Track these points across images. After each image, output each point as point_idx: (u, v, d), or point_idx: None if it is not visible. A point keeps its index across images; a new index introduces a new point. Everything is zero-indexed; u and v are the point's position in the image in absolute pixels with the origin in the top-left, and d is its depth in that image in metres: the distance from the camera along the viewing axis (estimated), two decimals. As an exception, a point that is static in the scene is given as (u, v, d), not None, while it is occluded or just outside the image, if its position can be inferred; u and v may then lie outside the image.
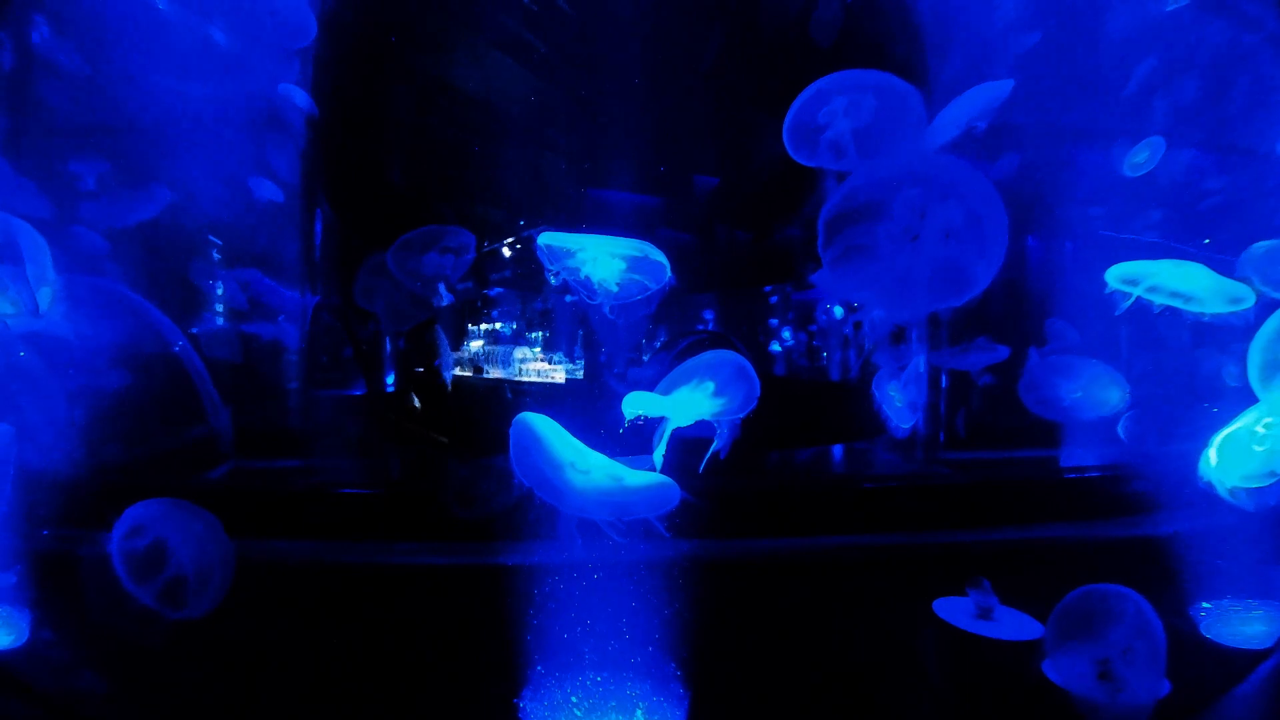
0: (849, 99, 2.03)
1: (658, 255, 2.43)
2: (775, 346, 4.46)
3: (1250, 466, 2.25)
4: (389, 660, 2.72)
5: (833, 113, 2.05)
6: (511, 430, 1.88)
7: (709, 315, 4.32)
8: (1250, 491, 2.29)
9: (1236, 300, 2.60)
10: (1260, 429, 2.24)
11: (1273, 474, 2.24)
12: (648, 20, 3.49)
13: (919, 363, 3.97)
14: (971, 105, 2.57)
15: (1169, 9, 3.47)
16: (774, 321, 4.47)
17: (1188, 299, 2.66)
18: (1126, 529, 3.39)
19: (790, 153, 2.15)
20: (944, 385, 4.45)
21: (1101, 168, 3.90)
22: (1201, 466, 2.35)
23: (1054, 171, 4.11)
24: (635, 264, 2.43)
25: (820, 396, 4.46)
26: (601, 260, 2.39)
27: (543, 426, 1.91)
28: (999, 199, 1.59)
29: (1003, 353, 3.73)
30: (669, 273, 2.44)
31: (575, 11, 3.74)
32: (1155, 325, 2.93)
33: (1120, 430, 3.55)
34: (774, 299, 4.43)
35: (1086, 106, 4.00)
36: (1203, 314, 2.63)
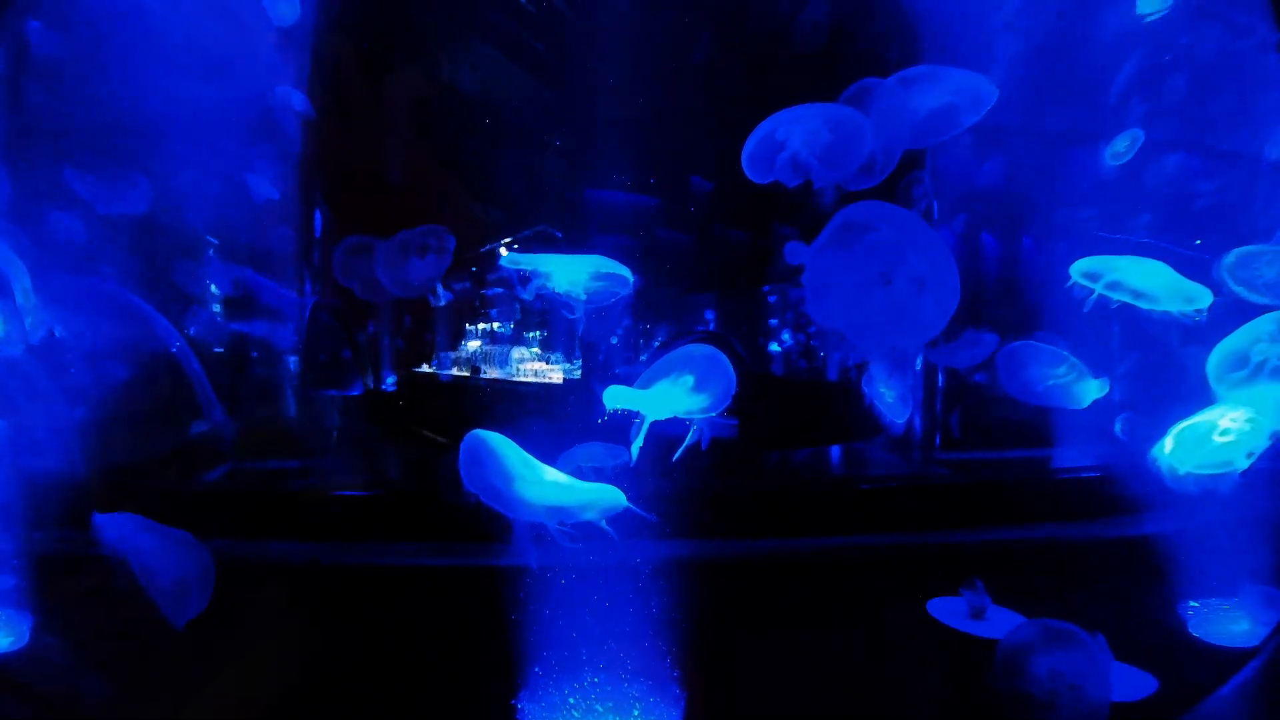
0: (805, 129, 2.20)
1: (611, 266, 2.62)
2: (774, 347, 4.48)
3: (1205, 457, 2.32)
4: (387, 660, 2.74)
5: (790, 134, 2.21)
6: (463, 445, 2.00)
7: (710, 315, 4.34)
8: (1200, 480, 2.38)
9: (1191, 300, 2.66)
10: (1229, 422, 2.30)
11: (1227, 464, 2.31)
12: (646, 21, 3.49)
13: (903, 354, 4.00)
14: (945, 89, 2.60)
15: (1146, 18, 3.51)
16: (773, 322, 4.49)
17: (1145, 296, 2.72)
18: (1118, 529, 3.43)
19: (750, 177, 2.33)
20: (940, 385, 4.48)
21: (1091, 170, 3.93)
22: (1155, 451, 2.43)
23: (1044, 173, 4.14)
24: (596, 275, 2.61)
25: (818, 396, 4.49)
26: (562, 275, 2.56)
27: (494, 441, 2.04)
28: (950, 255, 1.80)
29: (990, 341, 3.74)
30: (631, 277, 2.64)
31: (572, 12, 3.73)
32: (1146, 324, 2.98)
33: (1117, 430, 3.59)
34: (773, 299, 4.45)
35: (1076, 109, 4.03)
36: (1153, 311, 2.70)
